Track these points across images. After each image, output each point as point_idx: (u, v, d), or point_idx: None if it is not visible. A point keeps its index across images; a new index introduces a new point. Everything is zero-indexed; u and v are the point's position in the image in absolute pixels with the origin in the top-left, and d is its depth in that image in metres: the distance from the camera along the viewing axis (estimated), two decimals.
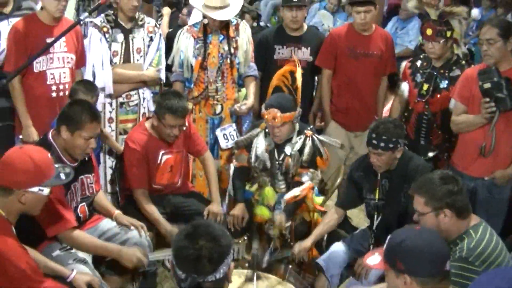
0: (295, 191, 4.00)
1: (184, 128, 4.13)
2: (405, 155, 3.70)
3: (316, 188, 4.16)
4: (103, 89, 4.58)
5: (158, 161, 4.15)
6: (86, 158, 3.64)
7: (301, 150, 4.05)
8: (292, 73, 4.21)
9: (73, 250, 3.47)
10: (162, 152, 4.16)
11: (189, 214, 4.11)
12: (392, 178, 3.71)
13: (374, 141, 3.57)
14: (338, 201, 4.15)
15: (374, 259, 2.64)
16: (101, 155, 4.70)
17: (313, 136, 4.07)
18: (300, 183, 4.06)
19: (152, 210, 4.02)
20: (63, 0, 4.29)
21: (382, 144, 3.55)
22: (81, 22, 4.80)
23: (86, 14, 4.42)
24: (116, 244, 3.59)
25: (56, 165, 3.10)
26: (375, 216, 3.80)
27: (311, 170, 4.08)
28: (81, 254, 3.49)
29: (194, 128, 4.48)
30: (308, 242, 3.90)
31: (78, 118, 3.42)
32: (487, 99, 3.82)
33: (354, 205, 4.16)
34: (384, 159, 3.61)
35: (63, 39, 4.31)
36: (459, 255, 2.82)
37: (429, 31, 4.21)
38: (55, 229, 3.36)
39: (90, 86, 4.23)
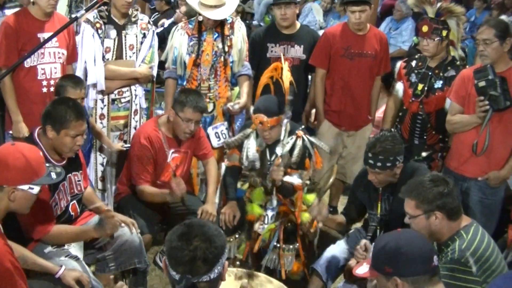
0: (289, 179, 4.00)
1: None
2: (408, 167, 3.62)
3: (305, 188, 4.14)
4: (95, 85, 4.56)
5: (168, 160, 4.16)
6: (73, 156, 3.61)
7: (291, 151, 4.03)
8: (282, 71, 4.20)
9: (65, 247, 3.45)
10: (172, 150, 4.17)
11: (184, 214, 4.10)
12: (395, 191, 3.59)
13: (371, 161, 3.50)
14: (343, 214, 4.12)
15: (362, 269, 2.65)
16: (92, 151, 4.66)
17: (304, 136, 4.05)
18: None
19: (156, 191, 4.07)
20: None
21: (379, 164, 3.48)
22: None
23: (83, 11, 4.39)
24: (87, 225, 3.58)
25: (47, 164, 3.06)
26: (378, 231, 3.72)
27: (300, 171, 4.06)
28: (74, 251, 3.47)
29: (203, 132, 4.46)
30: (330, 215, 3.93)
31: (62, 117, 3.37)
32: (481, 98, 3.83)
33: (358, 220, 4.12)
34: (382, 177, 3.55)
35: None
36: (451, 257, 2.82)
37: (425, 28, 4.22)
38: (32, 236, 3.33)
39: (77, 80, 4.20)
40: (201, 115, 4.12)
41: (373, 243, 2.59)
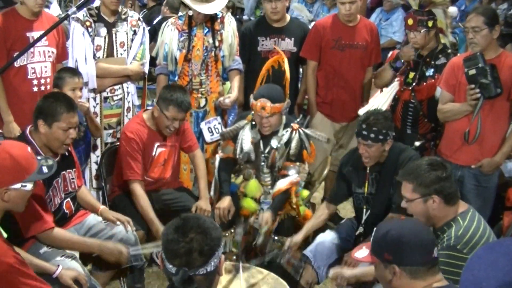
0: (281, 184, 3.99)
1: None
2: (395, 147, 3.69)
3: (301, 181, 4.14)
4: (86, 83, 4.53)
5: (153, 153, 4.14)
6: (67, 153, 3.60)
7: (287, 144, 4.03)
8: (279, 65, 4.20)
9: None
10: (157, 144, 4.16)
11: (178, 210, 4.07)
12: (381, 171, 3.70)
13: (364, 132, 3.56)
14: (328, 196, 4.13)
15: (361, 253, 2.63)
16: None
17: (300, 129, 4.05)
18: (285, 177, 4.05)
19: (147, 209, 3.98)
20: None
21: (372, 135, 3.54)
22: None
23: (74, 9, 4.37)
24: (96, 239, 3.57)
25: (38, 157, 3.01)
26: (364, 210, 3.79)
27: (298, 163, 4.06)
28: (69, 250, 3.46)
29: (188, 124, 4.46)
30: (299, 236, 3.87)
31: (53, 110, 3.38)
32: (472, 86, 3.83)
33: (344, 199, 4.15)
34: (373, 150, 3.59)
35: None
36: (447, 243, 2.81)
37: (410, 21, 4.24)
38: (32, 231, 3.31)
39: (75, 70, 4.24)
40: (185, 113, 4.10)
41: (374, 229, 2.56)
